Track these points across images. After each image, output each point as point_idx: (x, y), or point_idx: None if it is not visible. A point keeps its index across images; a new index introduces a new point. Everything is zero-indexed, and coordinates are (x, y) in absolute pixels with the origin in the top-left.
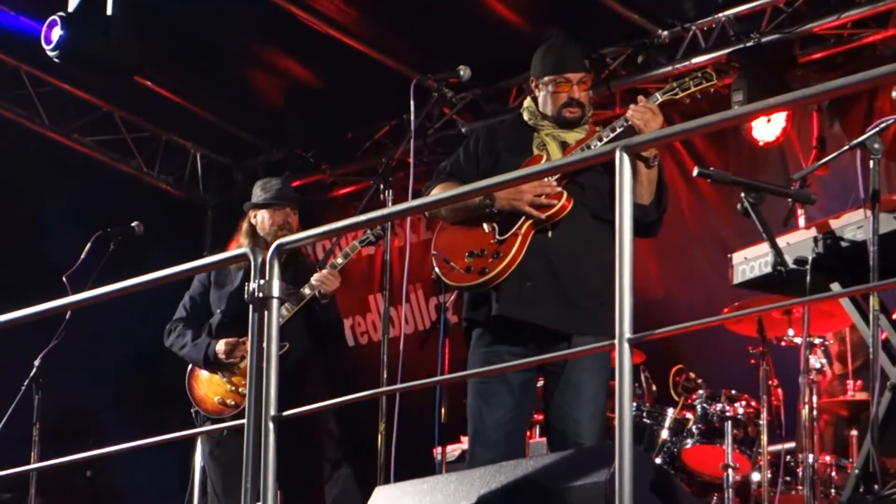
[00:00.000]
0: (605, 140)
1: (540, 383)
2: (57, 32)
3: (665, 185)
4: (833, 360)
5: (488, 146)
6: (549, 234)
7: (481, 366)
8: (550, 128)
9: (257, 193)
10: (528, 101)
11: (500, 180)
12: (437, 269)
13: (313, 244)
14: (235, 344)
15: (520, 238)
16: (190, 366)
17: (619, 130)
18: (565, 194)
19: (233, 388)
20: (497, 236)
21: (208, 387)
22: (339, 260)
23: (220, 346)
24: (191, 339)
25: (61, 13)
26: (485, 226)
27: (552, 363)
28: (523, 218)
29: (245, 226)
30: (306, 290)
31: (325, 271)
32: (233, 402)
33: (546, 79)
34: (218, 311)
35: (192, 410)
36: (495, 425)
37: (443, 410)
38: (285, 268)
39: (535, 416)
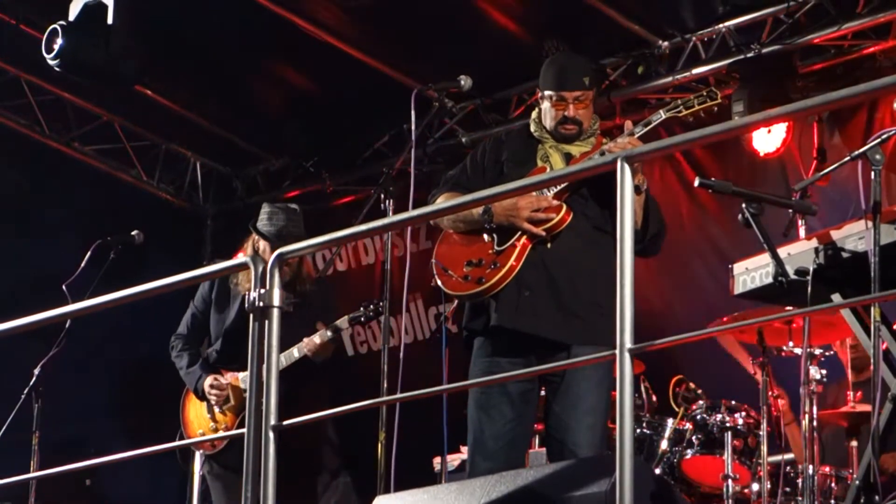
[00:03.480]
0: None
1: (543, 393)
2: (58, 41)
3: (652, 211)
4: (845, 368)
5: (494, 157)
6: (549, 244)
7: (482, 377)
8: (553, 140)
9: (262, 220)
10: (535, 113)
11: (499, 190)
12: (436, 278)
13: (313, 255)
14: (220, 386)
15: (518, 248)
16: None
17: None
18: (564, 207)
19: (214, 425)
20: (496, 246)
21: (196, 416)
22: (329, 333)
23: (208, 383)
24: (186, 364)
25: (62, 22)
26: (485, 236)
27: (552, 373)
28: None
29: (249, 250)
30: (295, 353)
31: (316, 339)
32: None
33: (546, 93)
34: (214, 346)
35: (179, 430)
36: (495, 436)
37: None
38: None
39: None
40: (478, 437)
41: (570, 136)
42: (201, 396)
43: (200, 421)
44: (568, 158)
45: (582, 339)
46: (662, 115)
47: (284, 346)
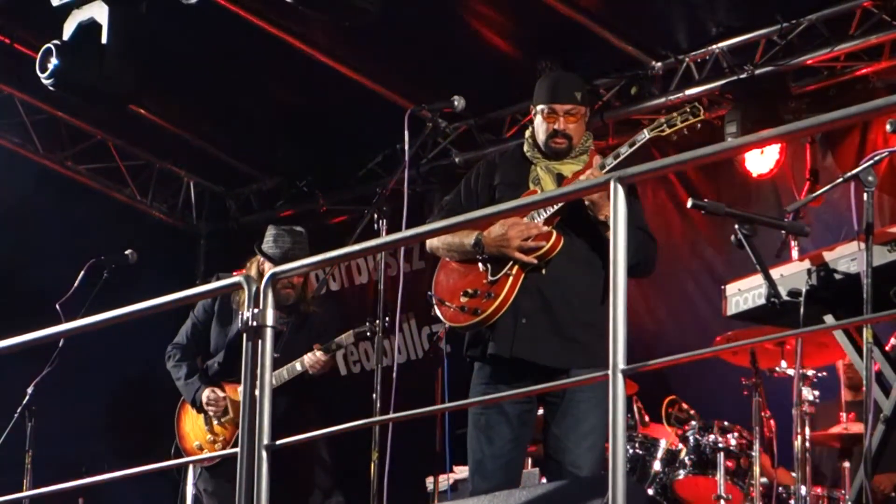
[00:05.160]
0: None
1: (540, 411)
2: (52, 61)
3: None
4: (841, 388)
5: (487, 181)
6: (543, 270)
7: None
8: (545, 160)
9: (268, 243)
10: (528, 132)
11: (491, 211)
12: (435, 309)
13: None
14: (218, 399)
15: (511, 278)
16: (182, 397)
17: (610, 166)
18: (555, 233)
19: (212, 437)
20: (490, 276)
21: (192, 427)
22: (333, 346)
23: (206, 396)
24: (185, 375)
25: (56, 42)
26: (479, 265)
27: (551, 394)
28: None
29: (253, 270)
30: (297, 367)
31: (319, 355)
32: (208, 452)
33: (539, 107)
34: (216, 357)
35: (174, 442)
36: (493, 457)
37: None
38: (288, 316)
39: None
40: (478, 458)
41: (560, 150)
42: (199, 408)
43: (197, 433)
44: (560, 179)
45: (581, 362)
46: (647, 134)
47: (287, 363)
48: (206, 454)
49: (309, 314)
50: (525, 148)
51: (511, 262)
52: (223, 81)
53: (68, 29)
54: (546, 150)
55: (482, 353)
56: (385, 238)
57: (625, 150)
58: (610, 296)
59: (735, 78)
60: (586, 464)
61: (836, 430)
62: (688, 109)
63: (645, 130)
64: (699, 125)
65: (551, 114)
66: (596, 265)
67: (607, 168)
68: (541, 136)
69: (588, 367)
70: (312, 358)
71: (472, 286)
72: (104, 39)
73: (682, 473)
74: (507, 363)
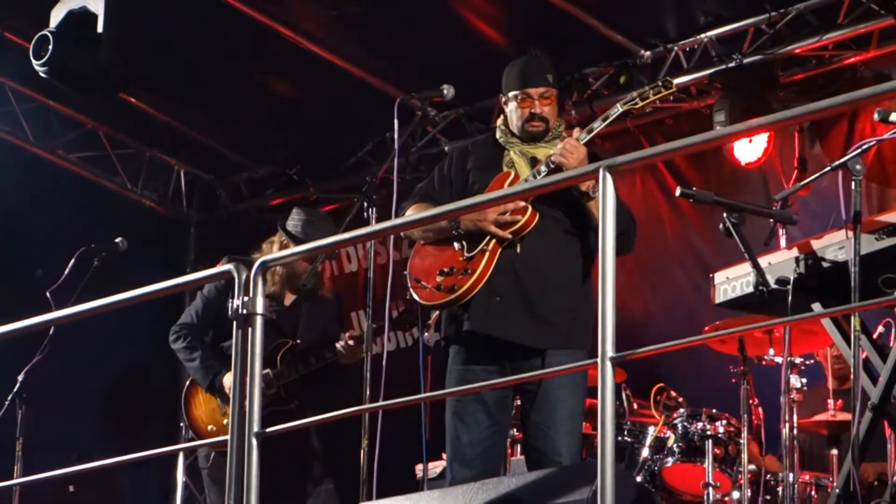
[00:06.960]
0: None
1: (517, 402)
2: (47, 48)
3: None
4: (827, 376)
5: (461, 167)
6: (518, 248)
7: (457, 384)
8: (519, 144)
9: (298, 225)
10: (500, 120)
11: (473, 202)
12: (411, 290)
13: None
14: None
15: (487, 254)
16: (191, 380)
17: (584, 140)
18: (530, 208)
19: (228, 421)
20: (466, 253)
21: (205, 410)
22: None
23: (230, 380)
24: (200, 358)
25: (52, 29)
26: (455, 244)
27: (528, 382)
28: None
29: (276, 248)
30: (326, 354)
31: (351, 343)
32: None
33: (510, 94)
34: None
35: (181, 424)
36: (472, 444)
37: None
38: (300, 304)
39: (517, 434)
40: (455, 445)
41: (537, 133)
42: (217, 391)
43: (210, 416)
44: (534, 163)
45: (553, 343)
46: (619, 108)
47: (306, 347)
48: (191, 445)
49: (322, 302)
50: (497, 135)
51: (487, 238)
52: (214, 70)
53: (56, 17)
54: (522, 135)
55: (457, 331)
56: (375, 226)
57: (598, 125)
58: (589, 281)
59: (724, 67)
60: (565, 450)
61: (823, 417)
62: (660, 83)
63: (618, 104)
64: (671, 97)
65: (525, 98)
66: (573, 247)
67: (581, 142)
68: (516, 122)
69: (562, 350)
70: (347, 348)
71: (447, 264)
72: (100, 28)
73: (670, 461)
74: (482, 342)
